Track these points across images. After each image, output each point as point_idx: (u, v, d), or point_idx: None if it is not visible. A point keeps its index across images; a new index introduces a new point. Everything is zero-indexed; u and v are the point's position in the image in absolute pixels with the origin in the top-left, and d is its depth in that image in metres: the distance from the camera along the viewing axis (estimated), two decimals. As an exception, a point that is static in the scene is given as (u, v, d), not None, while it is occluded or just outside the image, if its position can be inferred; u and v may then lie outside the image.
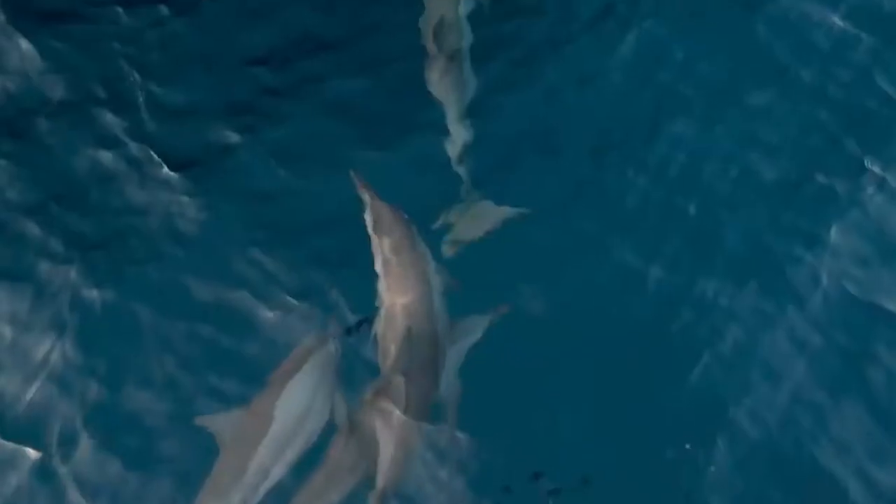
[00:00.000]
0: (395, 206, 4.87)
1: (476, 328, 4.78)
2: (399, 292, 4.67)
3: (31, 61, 6.00)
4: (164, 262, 5.48)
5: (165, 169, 5.74)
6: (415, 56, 5.85)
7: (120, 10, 6.09)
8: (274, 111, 5.88)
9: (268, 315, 5.26)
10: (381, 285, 4.75)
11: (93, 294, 5.38)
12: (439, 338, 4.62)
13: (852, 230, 5.46)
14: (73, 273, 5.46)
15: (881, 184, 5.60)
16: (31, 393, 5.12)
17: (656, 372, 5.13)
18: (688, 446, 4.90)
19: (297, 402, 4.40)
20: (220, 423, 4.41)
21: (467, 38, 5.79)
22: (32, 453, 4.97)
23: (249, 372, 4.93)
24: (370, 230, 4.85)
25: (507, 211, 5.34)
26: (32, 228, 5.61)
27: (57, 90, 5.96)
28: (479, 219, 5.35)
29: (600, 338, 5.17)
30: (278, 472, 4.33)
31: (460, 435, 4.66)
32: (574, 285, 5.28)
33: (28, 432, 5.02)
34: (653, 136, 5.74)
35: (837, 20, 6.03)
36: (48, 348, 5.23)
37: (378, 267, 4.78)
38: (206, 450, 4.43)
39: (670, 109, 5.81)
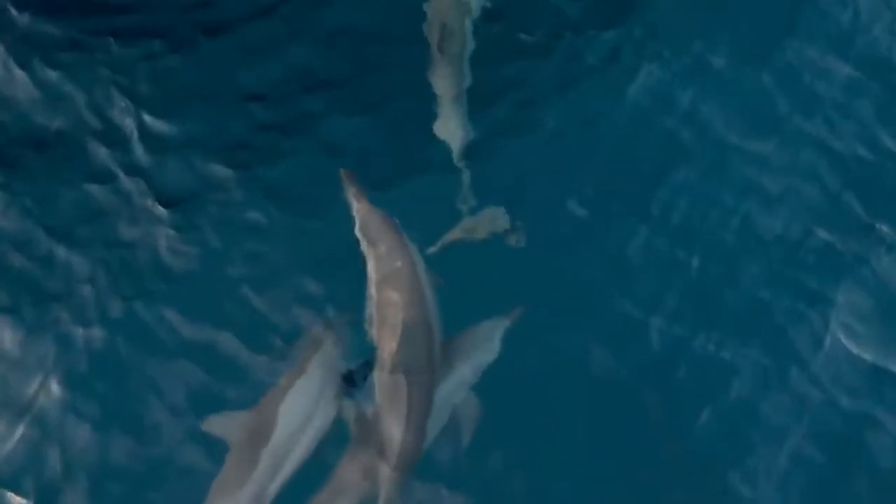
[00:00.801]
0: (381, 209, 4.91)
1: (491, 336, 4.80)
2: (391, 291, 4.65)
3: (24, 91, 5.89)
4: (152, 300, 5.38)
5: (157, 204, 5.64)
6: (414, 95, 5.78)
7: (116, 42, 6.00)
8: (270, 148, 5.77)
9: (256, 358, 5.14)
10: (372, 285, 4.75)
11: (79, 332, 5.28)
12: (434, 335, 4.61)
13: (855, 287, 5.40)
14: (60, 309, 5.36)
15: (884, 240, 5.53)
16: (15, 436, 5.00)
17: (654, 427, 5.07)
18: (684, 507, 4.81)
19: (302, 401, 4.48)
20: (227, 424, 4.48)
21: (470, 40, 5.80)
22: (17, 500, 4.86)
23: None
24: (358, 231, 4.87)
25: (499, 216, 5.33)
26: (20, 261, 5.50)
27: (50, 121, 5.85)
28: (473, 224, 5.36)
29: (598, 389, 5.10)
30: (287, 470, 4.39)
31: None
32: (573, 334, 5.20)
33: (12, 478, 4.91)
34: (655, 184, 5.65)
35: (844, 71, 5.97)
36: (34, 389, 5.12)
37: (368, 267, 4.79)
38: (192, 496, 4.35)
39: (674, 156, 5.74)
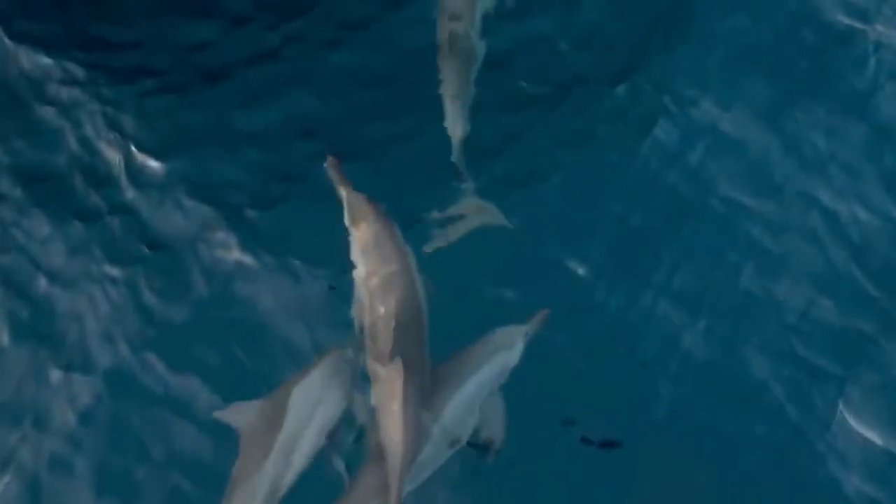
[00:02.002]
0: (370, 197, 4.83)
1: (513, 341, 4.64)
2: (380, 282, 4.58)
3: (17, 125, 5.82)
4: (130, 349, 5.22)
5: (142, 246, 5.51)
6: (415, 140, 5.68)
7: (111, 79, 5.91)
8: (262, 193, 5.63)
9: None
10: (360, 276, 4.67)
11: (61, 375, 5.15)
12: (424, 326, 4.55)
13: (861, 361, 5.18)
14: (41, 349, 5.23)
15: (891, 314, 5.32)
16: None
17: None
18: None
19: (313, 388, 4.50)
20: (239, 413, 4.50)
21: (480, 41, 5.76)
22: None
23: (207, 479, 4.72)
24: (347, 221, 4.80)
25: (493, 211, 5.31)
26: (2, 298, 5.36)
27: (42, 156, 5.76)
28: (467, 216, 5.33)
29: (597, 458, 4.96)
30: (300, 454, 4.40)
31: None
32: (569, 393, 5.03)
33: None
34: (660, 243, 5.48)
35: (856, 135, 5.78)
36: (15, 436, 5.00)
37: (356, 258, 4.72)
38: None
39: (679, 215, 5.55)
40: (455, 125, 5.48)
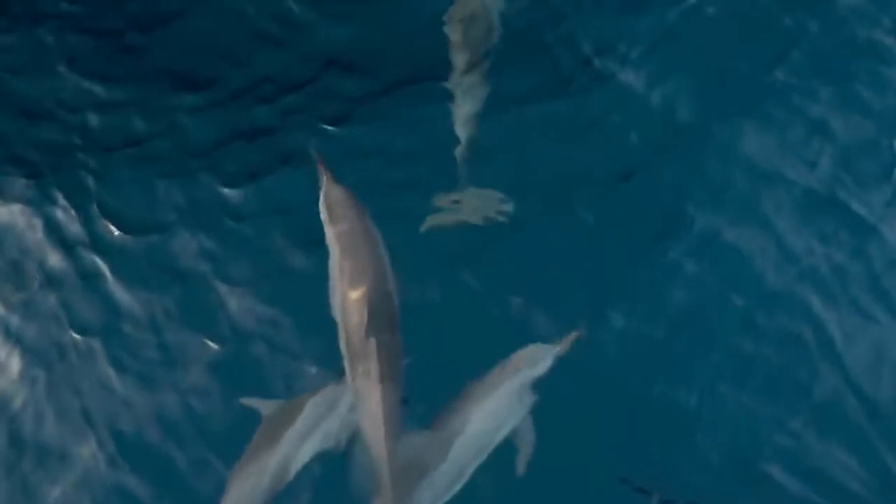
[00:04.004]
0: (350, 191, 4.85)
1: (538, 360, 4.63)
2: (355, 275, 4.59)
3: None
4: (106, 387, 5.12)
5: (117, 285, 5.35)
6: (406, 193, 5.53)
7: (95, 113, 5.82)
8: (238, 236, 5.44)
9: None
10: (335, 269, 4.68)
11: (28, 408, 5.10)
12: (397, 318, 4.58)
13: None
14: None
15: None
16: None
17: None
18: None
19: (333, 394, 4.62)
20: (264, 407, 4.70)
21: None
22: None
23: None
24: (323, 215, 4.83)
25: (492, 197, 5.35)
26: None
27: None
28: (463, 205, 5.37)
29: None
30: (310, 446, 4.52)
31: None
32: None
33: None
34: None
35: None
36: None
37: (332, 250, 4.73)
38: None
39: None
40: (463, 124, 5.52)
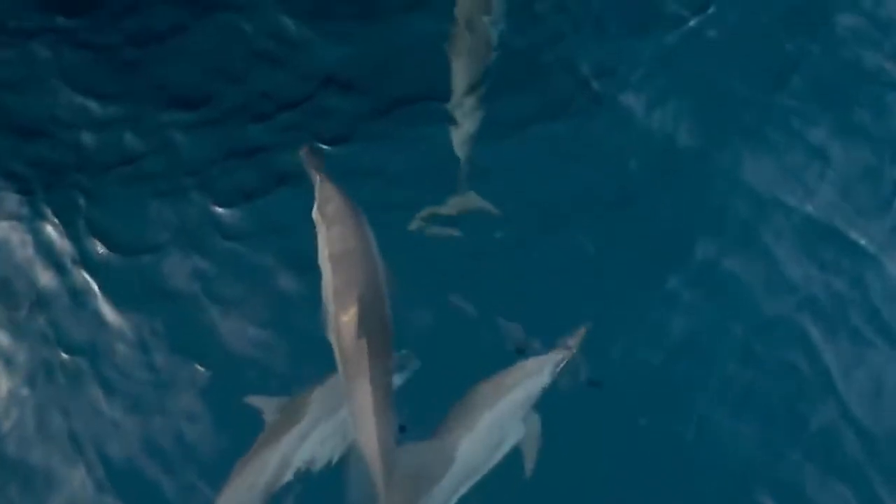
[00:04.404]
0: (343, 190, 4.75)
1: (542, 369, 4.67)
2: (346, 277, 4.52)
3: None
4: (95, 408, 5.06)
5: (108, 305, 5.28)
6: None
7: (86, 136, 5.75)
8: (231, 257, 5.37)
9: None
10: (326, 270, 4.61)
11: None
12: (387, 309, 4.52)
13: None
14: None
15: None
16: None
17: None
18: None
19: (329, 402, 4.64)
20: (268, 405, 4.73)
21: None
22: None
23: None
24: (315, 213, 4.75)
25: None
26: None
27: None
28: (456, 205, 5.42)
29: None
30: (312, 442, 4.57)
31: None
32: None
33: None
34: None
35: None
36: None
37: (321, 250, 4.65)
38: None
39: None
40: (462, 145, 5.53)
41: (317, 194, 4.76)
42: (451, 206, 5.44)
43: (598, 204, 5.57)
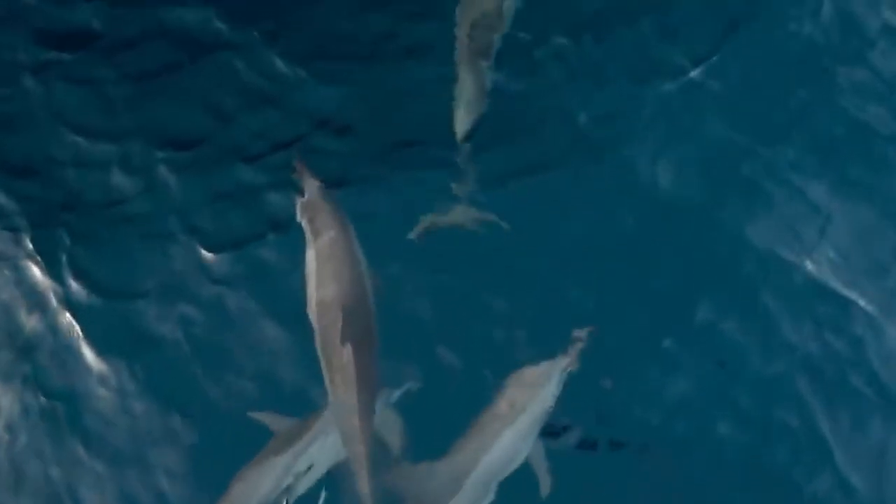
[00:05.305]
0: (332, 197, 4.91)
1: (546, 380, 4.64)
2: (331, 285, 4.58)
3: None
4: (72, 456, 4.97)
5: (90, 350, 5.19)
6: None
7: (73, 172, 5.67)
8: (217, 303, 5.26)
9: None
10: (311, 278, 4.67)
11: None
12: (373, 326, 4.58)
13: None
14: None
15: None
16: None
17: None
18: None
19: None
20: (274, 421, 4.75)
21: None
22: None
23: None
24: (303, 219, 4.84)
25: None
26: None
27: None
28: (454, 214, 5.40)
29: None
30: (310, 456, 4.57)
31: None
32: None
33: None
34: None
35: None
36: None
37: (308, 255, 4.73)
38: None
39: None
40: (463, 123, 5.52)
41: (305, 201, 4.89)
42: (452, 216, 5.41)
43: (596, 256, 5.46)
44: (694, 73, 5.95)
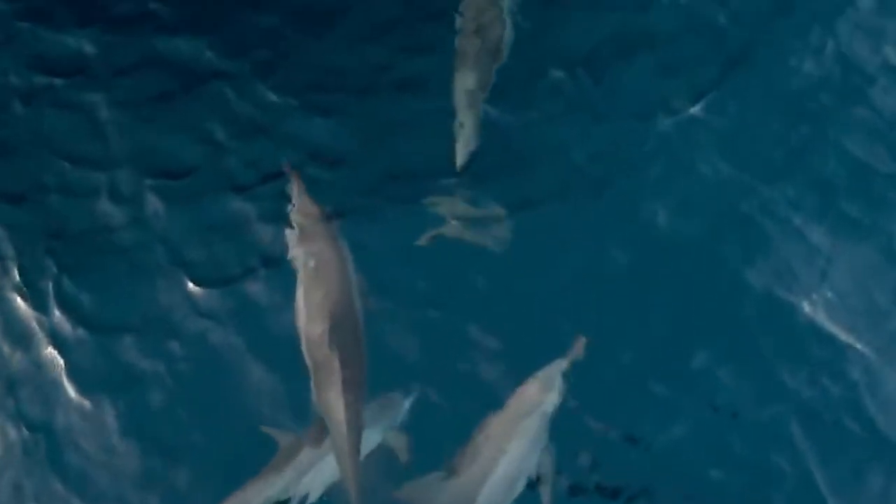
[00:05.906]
0: (322, 206, 4.99)
1: (550, 385, 4.68)
2: (319, 291, 4.62)
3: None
4: (50, 491, 4.88)
5: (72, 384, 5.11)
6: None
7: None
8: (202, 339, 5.16)
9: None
10: (300, 285, 4.70)
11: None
12: (361, 331, 4.60)
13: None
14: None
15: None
16: None
17: None
18: None
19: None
20: (283, 434, 4.75)
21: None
22: None
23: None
24: (292, 225, 4.92)
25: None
26: None
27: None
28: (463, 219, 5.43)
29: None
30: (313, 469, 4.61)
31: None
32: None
33: None
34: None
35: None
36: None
37: (297, 265, 4.76)
38: None
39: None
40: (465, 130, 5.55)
41: (294, 209, 4.97)
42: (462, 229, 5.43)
43: (592, 293, 5.38)
44: (693, 109, 5.90)
